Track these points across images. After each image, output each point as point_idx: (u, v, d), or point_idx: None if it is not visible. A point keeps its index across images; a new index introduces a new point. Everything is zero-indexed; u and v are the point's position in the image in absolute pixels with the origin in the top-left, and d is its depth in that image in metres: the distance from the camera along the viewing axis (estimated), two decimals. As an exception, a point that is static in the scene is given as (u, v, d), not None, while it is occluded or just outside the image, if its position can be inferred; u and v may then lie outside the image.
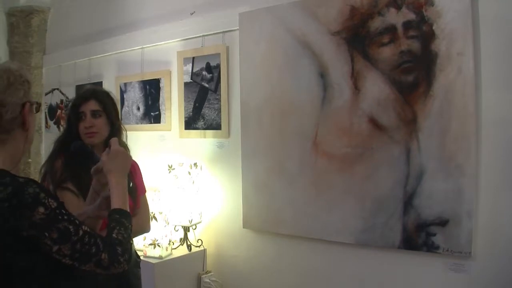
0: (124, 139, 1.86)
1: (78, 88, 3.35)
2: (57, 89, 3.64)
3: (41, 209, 1.00)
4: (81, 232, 1.05)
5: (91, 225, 1.25)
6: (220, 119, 2.58)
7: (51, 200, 1.03)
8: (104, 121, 1.75)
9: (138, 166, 1.92)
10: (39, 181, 1.66)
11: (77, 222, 1.06)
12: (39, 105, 1.20)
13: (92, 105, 1.74)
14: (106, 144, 1.76)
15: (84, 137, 1.72)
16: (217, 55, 2.58)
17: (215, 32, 2.59)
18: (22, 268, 1.03)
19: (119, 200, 1.22)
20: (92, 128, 1.72)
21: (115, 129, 1.80)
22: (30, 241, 1.01)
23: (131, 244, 1.17)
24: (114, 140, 1.33)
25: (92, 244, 1.06)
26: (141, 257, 2.42)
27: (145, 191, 1.92)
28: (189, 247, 2.56)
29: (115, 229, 1.14)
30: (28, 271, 1.04)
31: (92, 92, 1.80)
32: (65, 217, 1.04)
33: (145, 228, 1.86)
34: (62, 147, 1.72)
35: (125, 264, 1.10)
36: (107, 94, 1.83)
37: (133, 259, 1.77)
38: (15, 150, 1.13)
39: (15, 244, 1.00)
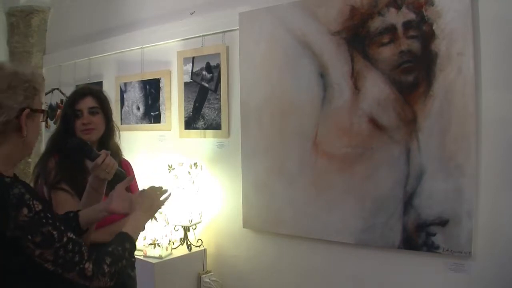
0: (118, 139, 1.84)
1: (78, 88, 3.36)
2: (57, 89, 3.64)
3: (25, 211, 0.98)
4: (65, 239, 1.03)
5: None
6: (220, 119, 2.58)
7: (36, 202, 1.01)
8: (101, 118, 1.75)
9: (130, 166, 1.91)
10: (33, 182, 1.65)
11: (62, 228, 1.04)
12: (45, 113, 1.17)
13: (89, 102, 1.73)
14: (101, 142, 1.75)
15: (81, 134, 1.70)
16: (217, 55, 2.58)
17: (215, 32, 2.59)
18: (12, 270, 1.02)
19: (132, 230, 1.23)
20: (90, 124, 1.71)
21: (110, 127, 1.79)
22: (15, 243, 0.99)
23: (123, 266, 1.15)
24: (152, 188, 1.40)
25: (76, 252, 1.04)
26: (141, 257, 2.43)
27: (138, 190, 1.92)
28: (189, 247, 2.57)
29: (114, 244, 1.14)
30: (18, 273, 1.02)
31: (89, 89, 1.79)
32: (50, 221, 1.02)
33: None
34: (55, 145, 1.69)
35: (108, 278, 1.08)
36: (102, 92, 1.83)
37: None
38: (9, 154, 1.09)
39: (1, 245, 0.99)
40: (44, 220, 1.01)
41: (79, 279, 1.04)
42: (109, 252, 1.11)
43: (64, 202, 1.56)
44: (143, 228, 1.29)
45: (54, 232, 1.01)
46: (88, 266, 1.04)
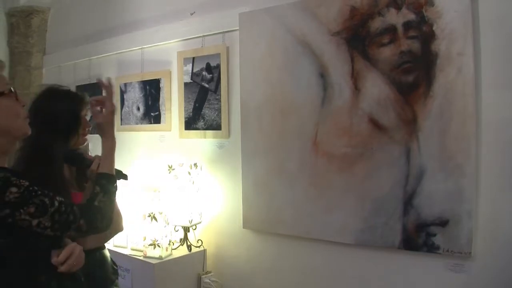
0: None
1: (78, 88, 3.34)
2: (57, 89, 3.64)
3: (13, 189, 1.03)
4: (56, 203, 1.10)
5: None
6: (220, 119, 2.58)
7: (22, 180, 1.06)
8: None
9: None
10: None
11: (51, 194, 1.10)
12: (9, 92, 1.13)
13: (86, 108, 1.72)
14: None
15: (83, 139, 1.63)
16: (217, 55, 2.58)
17: (215, 32, 2.60)
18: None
19: (110, 164, 1.33)
20: (89, 128, 1.70)
21: None
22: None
23: (112, 211, 1.25)
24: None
25: (69, 212, 1.12)
26: (141, 258, 2.43)
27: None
28: (189, 247, 2.56)
29: (99, 195, 1.23)
30: (5, 256, 1.05)
31: (83, 95, 1.77)
32: (39, 192, 1.08)
33: (117, 229, 1.70)
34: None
35: (102, 229, 1.21)
36: None
37: (110, 266, 1.71)
38: None
39: None
40: (33, 193, 1.07)
41: (76, 234, 1.15)
42: (98, 209, 1.20)
43: None
44: (113, 146, 1.39)
45: (46, 199, 1.08)
46: (82, 223, 1.14)
